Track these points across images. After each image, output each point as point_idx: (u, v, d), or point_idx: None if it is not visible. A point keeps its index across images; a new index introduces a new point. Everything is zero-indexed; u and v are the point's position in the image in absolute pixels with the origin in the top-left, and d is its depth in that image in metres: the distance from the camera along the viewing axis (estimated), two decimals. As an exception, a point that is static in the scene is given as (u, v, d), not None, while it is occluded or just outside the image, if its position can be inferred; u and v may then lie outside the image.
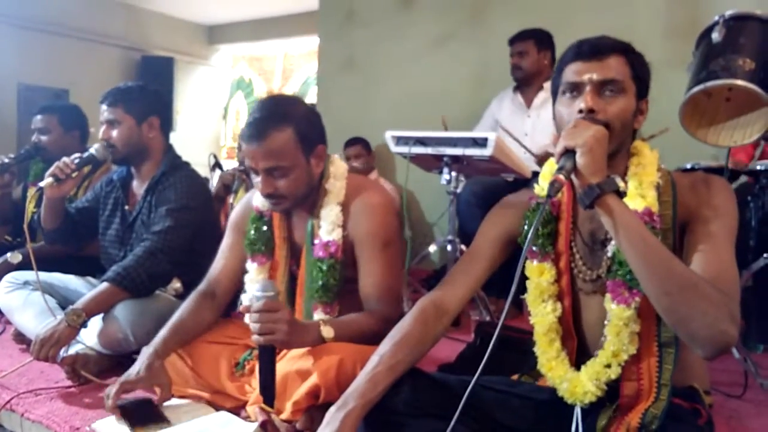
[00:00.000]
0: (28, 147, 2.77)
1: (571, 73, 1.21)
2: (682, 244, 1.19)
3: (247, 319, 1.48)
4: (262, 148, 1.50)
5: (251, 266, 1.73)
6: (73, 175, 2.04)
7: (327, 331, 1.45)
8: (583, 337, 1.29)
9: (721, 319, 1.04)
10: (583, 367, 1.23)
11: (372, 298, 1.58)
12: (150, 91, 2.19)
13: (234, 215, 1.83)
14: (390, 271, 1.59)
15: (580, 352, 1.28)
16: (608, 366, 1.19)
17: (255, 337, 1.37)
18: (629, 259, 1.10)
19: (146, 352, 1.60)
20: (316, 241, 1.61)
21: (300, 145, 1.54)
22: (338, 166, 1.67)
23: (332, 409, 1.15)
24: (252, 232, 1.72)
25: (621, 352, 1.18)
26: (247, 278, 1.73)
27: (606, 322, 1.21)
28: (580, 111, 1.17)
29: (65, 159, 2.03)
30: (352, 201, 1.62)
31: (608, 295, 1.20)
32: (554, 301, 1.28)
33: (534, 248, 1.28)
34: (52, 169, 2.01)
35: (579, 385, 1.21)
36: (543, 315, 1.28)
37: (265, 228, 1.72)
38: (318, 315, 1.62)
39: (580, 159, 1.09)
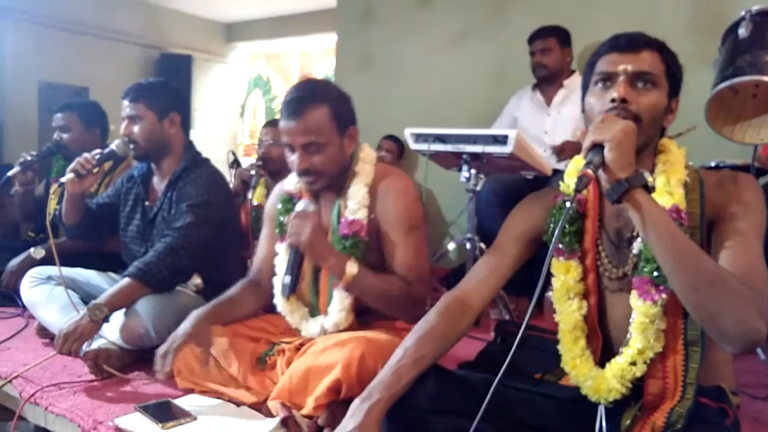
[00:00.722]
0: (49, 144, 2.81)
1: (606, 63, 1.21)
2: (709, 242, 1.17)
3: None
4: (300, 124, 1.57)
5: (280, 247, 1.76)
6: (94, 170, 2.06)
7: (351, 266, 1.52)
8: (608, 336, 1.27)
9: (750, 314, 1.03)
10: (607, 365, 1.21)
11: (401, 275, 1.61)
12: (171, 88, 2.20)
13: (268, 205, 1.88)
14: (416, 253, 1.63)
15: (604, 351, 1.26)
16: (633, 363, 1.18)
17: (288, 240, 1.56)
18: (657, 254, 1.09)
19: (194, 314, 1.66)
20: (342, 220, 1.64)
21: (334, 123, 1.61)
22: (368, 153, 1.72)
23: (356, 401, 1.15)
24: (281, 214, 1.76)
25: (647, 349, 1.17)
26: (277, 260, 1.76)
27: (631, 320, 1.19)
28: (613, 100, 1.17)
29: (86, 155, 2.05)
30: (379, 184, 1.67)
31: (634, 292, 1.19)
32: (580, 299, 1.27)
33: (560, 246, 1.27)
34: (73, 164, 2.04)
35: (603, 382, 1.20)
36: (568, 313, 1.27)
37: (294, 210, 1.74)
38: (338, 293, 1.64)
39: (608, 153, 1.07)
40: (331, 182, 1.65)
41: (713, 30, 2.10)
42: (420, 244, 1.64)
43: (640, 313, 1.17)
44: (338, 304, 1.64)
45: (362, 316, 1.69)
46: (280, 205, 1.78)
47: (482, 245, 2.57)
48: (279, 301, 1.74)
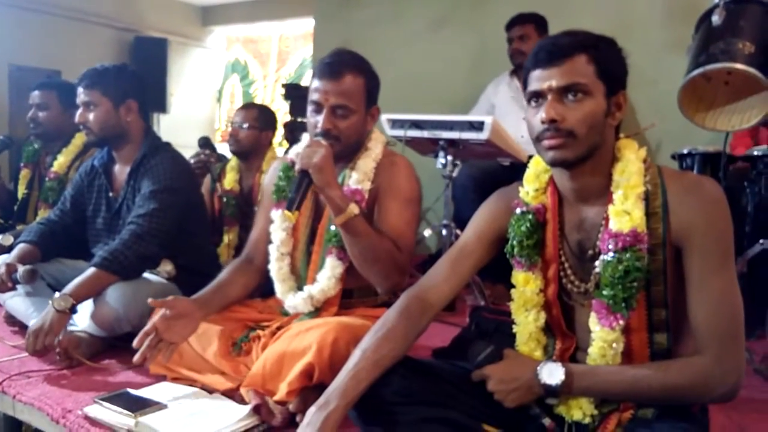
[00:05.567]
0: (1, 137, 2.83)
1: (533, 81, 1.16)
2: (673, 260, 1.14)
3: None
4: (336, 85, 1.61)
5: (275, 214, 1.73)
6: None
7: (353, 207, 1.52)
8: (581, 335, 1.25)
9: (722, 384, 1.10)
10: None
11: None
12: (128, 74, 2.13)
13: (267, 179, 1.88)
14: (407, 224, 1.64)
15: (578, 348, 1.26)
16: None
17: (298, 164, 1.52)
18: None
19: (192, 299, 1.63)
20: (345, 188, 1.64)
21: (365, 96, 1.66)
22: (379, 135, 1.77)
23: (312, 408, 1.13)
24: (281, 180, 1.75)
25: None
26: (272, 228, 1.74)
27: (591, 341, 1.18)
28: (543, 122, 1.13)
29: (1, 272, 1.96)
30: (384, 161, 1.71)
31: (593, 315, 1.17)
32: (537, 311, 1.25)
33: (520, 258, 1.25)
34: None
35: (575, 405, 1.19)
36: (524, 324, 1.26)
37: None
38: (331, 260, 1.64)
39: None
40: (343, 152, 1.65)
41: (688, 17, 2.10)
42: (411, 218, 1.67)
43: (599, 338, 1.16)
44: (329, 271, 1.64)
45: (344, 299, 1.68)
46: (283, 174, 1.76)
47: (458, 231, 2.58)
48: (273, 260, 1.73)
